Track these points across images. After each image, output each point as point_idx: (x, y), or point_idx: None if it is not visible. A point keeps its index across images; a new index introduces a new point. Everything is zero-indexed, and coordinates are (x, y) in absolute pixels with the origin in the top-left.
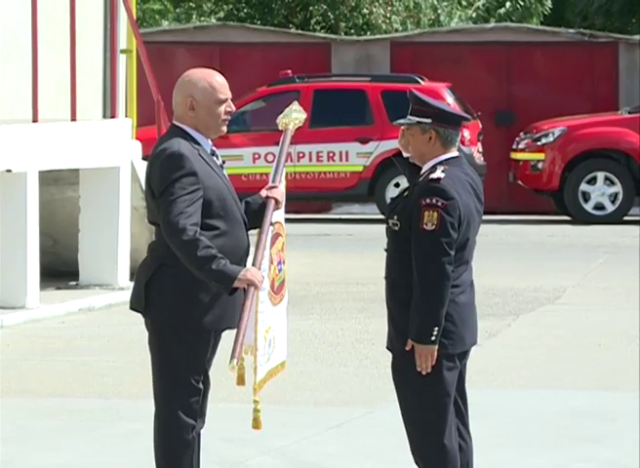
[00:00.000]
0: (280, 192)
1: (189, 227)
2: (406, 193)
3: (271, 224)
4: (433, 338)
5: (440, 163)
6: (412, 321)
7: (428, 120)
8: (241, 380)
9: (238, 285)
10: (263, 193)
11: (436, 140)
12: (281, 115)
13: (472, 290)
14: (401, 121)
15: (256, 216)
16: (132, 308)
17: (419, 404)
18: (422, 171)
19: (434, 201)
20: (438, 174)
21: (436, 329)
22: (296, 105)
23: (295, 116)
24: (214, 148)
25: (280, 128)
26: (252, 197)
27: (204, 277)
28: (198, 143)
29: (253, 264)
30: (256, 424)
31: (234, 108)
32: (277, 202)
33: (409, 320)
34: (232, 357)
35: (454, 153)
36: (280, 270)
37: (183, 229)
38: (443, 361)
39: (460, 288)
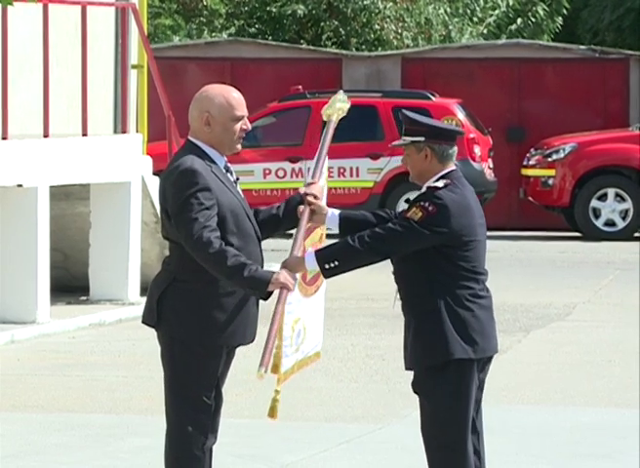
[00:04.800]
0: (319, 188)
1: (214, 240)
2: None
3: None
4: (327, 267)
5: (442, 177)
6: (331, 248)
7: (421, 138)
8: (275, 369)
9: (272, 288)
10: (302, 190)
11: (432, 157)
12: (325, 106)
13: (489, 298)
14: (395, 143)
15: (289, 218)
16: (144, 322)
17: (445, 417)
18: (422, 190)
19: (426, 204)
20: (438, 183)
21: (335, 263)
22: (341, 95)
23: (338, 106)
24: (228, 164)
25: (324, 119)
26: (291, 197)
27: (237, 285)
28: (212, 160)
29: (286, 260)
30: (272, 413)
31: (250, 126)
32: (316, 198)
33: (429, 333)
34: (261, 365)
35: (452, 168)
36: None
37: (209, 242)
38: (466, 369)
39: (476, 297)
